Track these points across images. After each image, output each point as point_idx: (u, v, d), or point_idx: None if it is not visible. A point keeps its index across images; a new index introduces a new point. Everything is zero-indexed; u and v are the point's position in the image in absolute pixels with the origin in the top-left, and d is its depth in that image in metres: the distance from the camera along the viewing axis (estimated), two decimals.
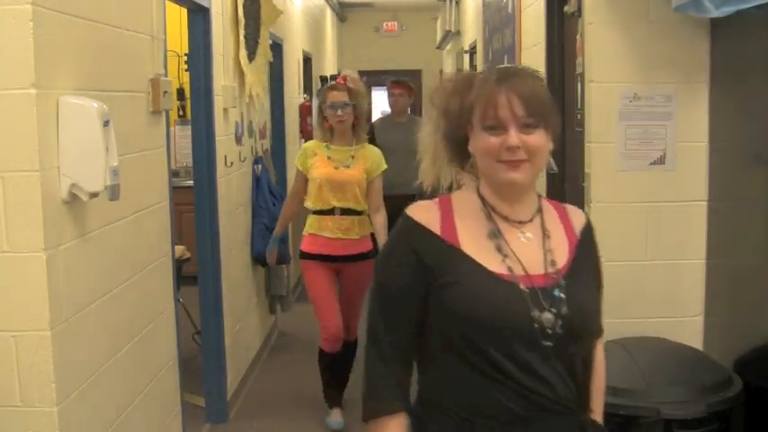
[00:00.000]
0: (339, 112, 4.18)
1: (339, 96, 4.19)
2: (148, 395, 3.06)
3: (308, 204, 4.28)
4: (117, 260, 2.77)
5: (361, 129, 4.30)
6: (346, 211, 4.23)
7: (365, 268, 4.18)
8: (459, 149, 1.72)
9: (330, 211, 4.22)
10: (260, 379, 5.16)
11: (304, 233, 4.33)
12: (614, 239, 3.15)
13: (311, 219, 4.29)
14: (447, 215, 1.69)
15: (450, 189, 1.82)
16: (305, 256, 4.32)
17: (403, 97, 6.21)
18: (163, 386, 3.26)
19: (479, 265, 1.62)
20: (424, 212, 1.70)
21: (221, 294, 4.41)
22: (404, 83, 6.34)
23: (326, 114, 4.23)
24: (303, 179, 4.30)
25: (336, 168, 4.21)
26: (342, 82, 4.27)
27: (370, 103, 4.49)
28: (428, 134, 1.82)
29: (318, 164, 4.23)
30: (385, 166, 4.35)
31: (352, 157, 4.24)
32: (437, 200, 1.73)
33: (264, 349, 5.64)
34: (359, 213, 4.27)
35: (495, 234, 1.66)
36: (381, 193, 4.38)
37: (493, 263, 1.63)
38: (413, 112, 6.90)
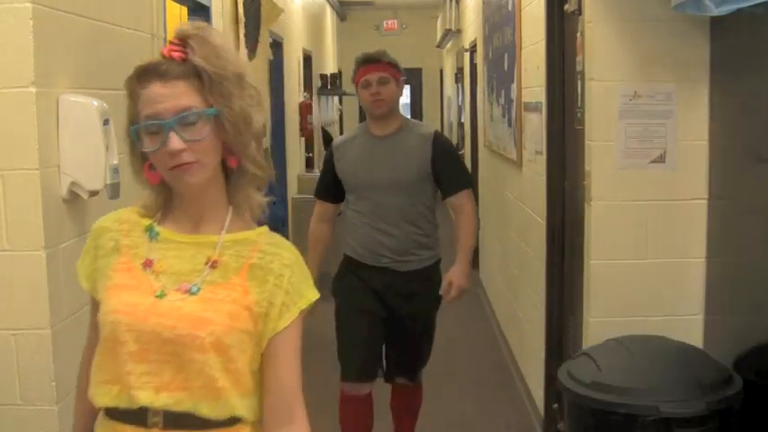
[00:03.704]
0: (173, 144, 1.45)
1: (160, 93, 1.49)
2: None
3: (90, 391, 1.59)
4: None
5: (244, 180, 1.55)
6: (182, 422, 1.49)
7: None
8: None
9: (136, 417, 1.50)
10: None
11: None
12: (614, 238, 3.15)
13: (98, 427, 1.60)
14: None
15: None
16: None
17: (387, 85, 3.37)
18: None
19: None
20: None
21: None
22: (385, 59, 3.46)
23: (143, 142, 1.51)
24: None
25: (161, 296, 1.50)
26: (177, 53, 1.53)
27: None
28: None
29: (118, 277, 1.55)
30: (312, 296, 1.56)
31: (213, 263, 1.52)
32: None
33: None
34: (219, 428, 1.51)
35: None
36: (299, 378, 1.57)
37: None
38: (412, 114, 4.66)
